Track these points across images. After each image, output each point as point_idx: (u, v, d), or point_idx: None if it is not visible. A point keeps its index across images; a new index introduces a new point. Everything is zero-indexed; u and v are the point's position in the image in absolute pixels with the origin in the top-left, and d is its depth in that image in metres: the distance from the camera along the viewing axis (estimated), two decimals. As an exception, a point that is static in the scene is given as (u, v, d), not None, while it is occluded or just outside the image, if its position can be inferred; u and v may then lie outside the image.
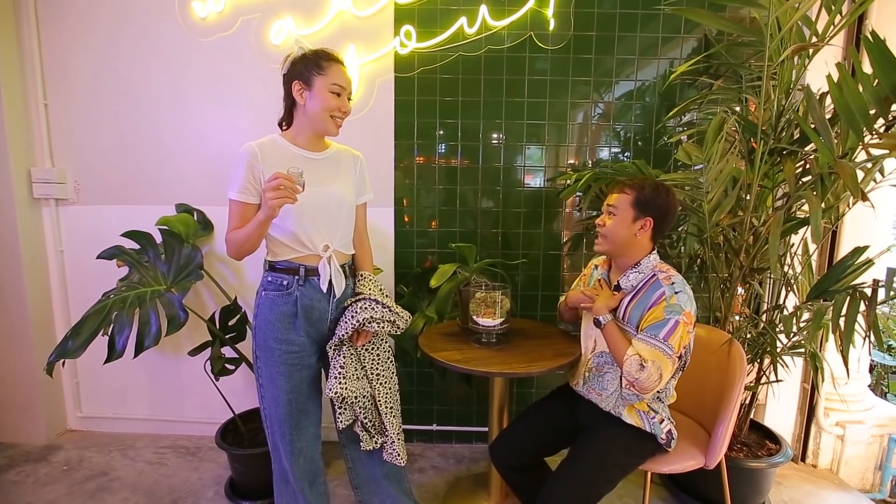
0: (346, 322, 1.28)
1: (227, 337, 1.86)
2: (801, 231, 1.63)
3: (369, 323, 1.28)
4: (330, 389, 1.28)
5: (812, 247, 1.71)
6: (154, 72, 2.02)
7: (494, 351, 1.54)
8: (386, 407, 1.38)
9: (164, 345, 1.80)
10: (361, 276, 1.38)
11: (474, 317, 1.58)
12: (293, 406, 1.30)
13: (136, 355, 1.52)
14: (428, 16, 1.95)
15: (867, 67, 1.25)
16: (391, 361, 1.42)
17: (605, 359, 1.34)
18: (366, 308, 1.28)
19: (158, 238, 1.81)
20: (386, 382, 1.39)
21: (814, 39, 1.45)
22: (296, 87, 1.24)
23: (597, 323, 1.32)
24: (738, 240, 1.64)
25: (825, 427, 2.01)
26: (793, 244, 1.71)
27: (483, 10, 1.92)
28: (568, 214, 2.10)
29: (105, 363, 1.50)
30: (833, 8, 1.37)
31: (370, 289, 1.35)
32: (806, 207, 1.52)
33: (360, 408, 1.35)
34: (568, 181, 1.97)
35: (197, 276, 1.71)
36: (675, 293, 1.23)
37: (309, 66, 1.23)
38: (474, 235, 2.09)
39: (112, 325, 1.50)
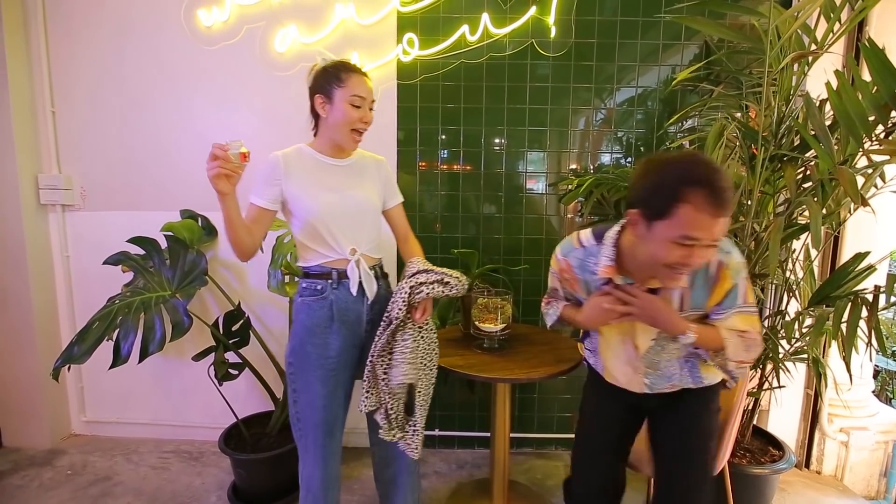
0: (394, 301, 1.25)
1: (230, 342, 1.87)
2: (803, 237, 1.64)
3: (418, 290, 1.25)
4: (404, 375, 1.25)
5: (814, 252, 1.71)
6: (160, 79, 2.05)
7: (496, 356, 1.54)
8: (422, 398, 1.33)
9: (168, 350, 1.81)
10: (410, 262, 1.36)
11: (476, 322, 1.58)
12: (328, 412, 1.29)
13: (140, 361, 1.54)
14: (430, 24, 1.97)
15: (867, 75, 1.27)
16: (436, 354, 1.37)
17: (656, 352, 1.16)
18: (412, 277, 1.27)
19: (163, 244, 1.83)
20: (429, 374, 1.35)
21: (813, 47, 1.46)
22: (318, 100, 1.26)
23: (674, 338, 1.09)
24: (739, 246, 1.64)
25: (829, 433, 2.00)
26: (794, 250, 1.71)
27: (485, 18, 1.94)
28: (570, 220, 2.11)
29: (110, 368, 1.51)
30: (832, 16, 1.38)
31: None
32: (807, 213, 1.53)
33: (390, 395, 1.30)
34: (570, 186, 1.98)
35: (201, 282, 1.73)
36: (727, 253, 1.04)
37: (329, 79, 1.24)
38: (476, 241, 2.10)
39: (117, 331, 1.51)
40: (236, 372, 1.85)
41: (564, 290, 1.26)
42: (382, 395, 1.30)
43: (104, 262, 1.76)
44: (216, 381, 1.79)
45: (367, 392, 1.31)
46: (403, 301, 1.24)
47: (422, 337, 1.30)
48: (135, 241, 1.77)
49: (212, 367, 1.79)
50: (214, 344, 1.85)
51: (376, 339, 1.27)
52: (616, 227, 1.09)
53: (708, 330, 1.08)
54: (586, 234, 1.16)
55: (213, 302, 2.16)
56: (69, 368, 1.54)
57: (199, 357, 1.83)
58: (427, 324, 1.32)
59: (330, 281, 1.27)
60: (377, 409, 1.34)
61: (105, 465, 2.06)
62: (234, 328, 1.92)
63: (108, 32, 2.03)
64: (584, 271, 1.15)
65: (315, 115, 1.30)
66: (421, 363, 1.30)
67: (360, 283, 1.28)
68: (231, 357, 1.88)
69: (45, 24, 2.04)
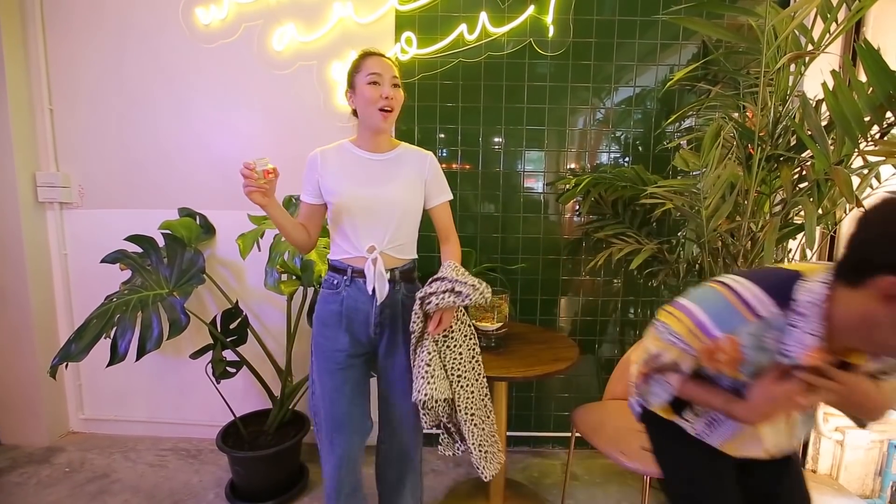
0: (413, 312, 1.23)
1: (228, 340, 1.87)
2: (799, 236, 1.64)
3: (427, 301, 1.21)
4: (418, 391, 1.21)
5: (809, 252, 1.71)
6: (158, 77, 2.05)
7: (493, 355, 1.55)
8: (466, 413, 1.26)
9: (166, 348, 1.82)
10: (444, 265, 1.29)
11: (473, 321, 1.59)
12: (336, 406, 1.28)
13: (137, 359, 1.54)
14: (428, 23, 1.97)
15: (863, 76, 1.27)
16: (477, 362, 1.30)
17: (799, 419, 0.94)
18: (428, 284, 1.22)
19: (161, 242, 1.83)
20: (467, 385, 1.27)
21: (810, 48, 1.46)
22: (347, 95, 1.29)
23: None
24: (736, 245, 1.65)
25: (825, 432, 2.01)
26: (791, 250, 1.72)
27: (483, 17, 1.94)
28: (568, 219, 2.11)
29: (108, 366, 1.51)
30: (829, 17, 1.38)
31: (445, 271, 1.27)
32: (803, 213, 1.53)
33: (441, 410, 1.27)
34: (567, 186, 1.99)
35: (199, 280, 1.73)
36: None
37: (350, 71, 1.27)
38: (474, 240, 2.10)
39: (115, 329, 1.51)
40: (234, 370, 1.85)
41: (702, 369, 0.90)
42: (437, 409, 1.27)
43: (102, 261, 1.76)
44: (214, 379, 1.79)
45: (423, 411, 1.28)
46: (416, 313, 1.22)
47: (447, 347, 1.25)
48: (132, 239, 1.77)
49: (209, 365, 1.79)
50: (212, 342, 1.85)
51: (411, 352, 1.26)
52: (817, 288, 0.76)
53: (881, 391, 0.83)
54: (759, 297, 0.79)
55: (210, 300, 2.16)
56: (67, 366, 1.55)
57: (196, 355, 1.83)
58: (451, 335, 1.26)
59: (344, 277, 1.26)
60: (438, 425, 1.32)
61: (103, 462, 2.06)
62: (231, 326, 1.92)
63: (107, 30, 2.03)
64: (762, 351, 0.80)
65: (354, 113, 1.30)
66: (451, 376, 1.25)
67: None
68: (229, 355, 1.89)
69: (42, 22, 2.04)
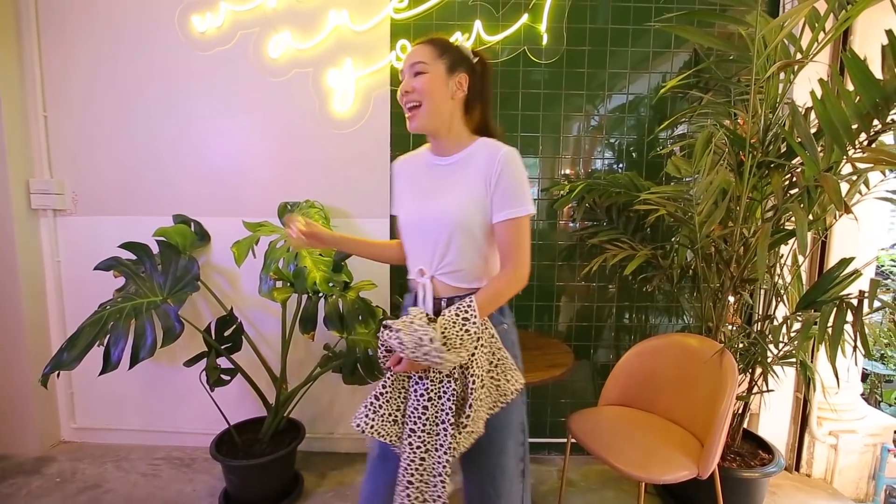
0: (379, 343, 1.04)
1: (222, 347, 1.86)
2: (791, 242, 1.66)
3: (387, 334, 0.99)
4: (355, 417, 1.04)
5: (800, 258, 1.73)
6: (153, 84, 2.05)
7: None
8: (404, 475, 0.99)
9: (159, 355, 1.80)
10: (456, 303, 1.00)
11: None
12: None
13: (131, 367, 1.53)
14: (424, 31, 1.98)
15: (849, 84, 1.29)
16: (446, 434, 0.97)
17: None
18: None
19: (155, 249, 1.82)
20: (417, 448, 0.98)
21: (798, 56, 1.49)
22: None
23: None
24: (728, 251, 1.66)
25: (818, 436, 2.02)
26: (782, 255, 1.73)
27: (478, 25, 1.96)
28: (562, 225, 2.12)
29: (100, 375, 1.50)
30: (816, 26, 1.41)
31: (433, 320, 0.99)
32: (794, 219, 1.55)
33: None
34: (562, 192, 2.00)
35: (193, 288, 1.72)
36: None
37: None
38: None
39: (108, 337, 1.50)
40: (228, 377, 1.84)
41: None
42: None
43: (95, 268, 1.75)
44: (208, 387, 1.78)
45: None
46: (380, 342, 1.02)
47: (415, 392, 1.01)
48: (126, 246, 1.76)
49: (203, 373, 1.78)
50: (206, 349, 1.84)
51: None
52: None
53: None
54: None
55: (205, 307, 2.15)
56: (58, 375, 1.53)
57: (191, 363, 1.82)
58: (422, 382, 1.00)
59: (413, 296, 1.11)
60: None
61: (95, 472, 2.04)
62: (226, 333, 1.91)
63: (102, 37, 2.03)
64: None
65: None
66: (404, 426, 1.01)
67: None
68: (223, 362, 1.87)
69: (37, 28, 2.03)
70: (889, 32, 1.19)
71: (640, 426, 1.58)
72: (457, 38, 1.12)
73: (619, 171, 2.07)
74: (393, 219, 2.07)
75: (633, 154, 2.08)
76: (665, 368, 1.68)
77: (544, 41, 1.99)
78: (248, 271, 1.93)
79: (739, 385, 1.51)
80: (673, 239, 2.04)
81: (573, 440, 1.57)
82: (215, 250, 2.11)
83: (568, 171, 2.10)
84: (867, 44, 1.81)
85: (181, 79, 2.04)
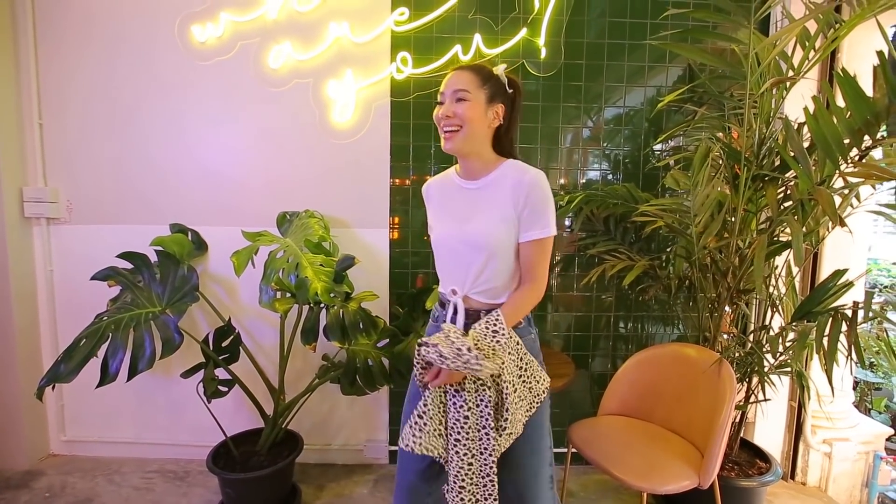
0: (414, 360, 1.09)
1: (220, 358, 1.84)
2: (785, 254, 1.70)
3: (419, 349, 1.05)
4: (402, 439, 1.10)
5: (795, 269, 1.77)
6: (150, 93, 2.04)
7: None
8: (455, 484, 1.07)
9: (154, 366, 1.78)
10: (484, 318, 1.07)
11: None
12: (405, 422, 1.18)
13: (129, 379, 1.50)
14: (424, 43, 2.01)
15: (839, 100, 1.33)
16: (486, 436, 1.06)
17: None
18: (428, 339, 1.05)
19: (152, 258, 1.80)
20: (465, 454, 1.06)
21: (790, 73, 1.53)
22: None
23: None
24: (724, 262, 1.69)
25: (813, 445, 2.05)
26: (776, 266, 1.77)
27: (477, 38, 1.99)
28: (560, 236, 2.14)
29: (98, 387, 1.48)
30: (807, 44, 1.45)
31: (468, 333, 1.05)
32: (789, 230, 1.59)
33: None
34: (560, 203, 2.02)
35: (192, 298, 1.71)
36: None
37: None
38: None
39: (106, 348, 1.48)
40: (226, 389, 1.82)
41: None
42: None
43: (92, 278, 1.72)
44: (205, 399, 1.76)
45: None
46: (416, 360, 1.08)
47: (454, 404, 1.08)
48: (125, 256, 1.75)
49: (200, 384, 1.76)
50: (204, 360, 1.82)
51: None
52: None
53: None
54: None
55: (201, 317, 2.13)
56: (53, 387, 1.50)
57: (188, 374, 1.79)
58: (461, 392, 1.07)
59: (444, 311, 1.15)
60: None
61: (85, 486, 1.99)
62: (223, 344, 1.89)
63: (100, 44, 2.02)
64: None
65: None
66: (449, 437, 1.08)
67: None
68: (220, 373, 1.85)
69: (34, 34, 2.02)
70: (880, 53, 1.23)
71: (640, 436, 1.59)
72: (495, 67, 1.15)
73: (616, 182, 2.10)
74: (391, 229, 2.10)
75: (629, 166, 2.12)
76: (664, 378, 1.69)
77: (542, 55, 2.02)
78: (246, 281, 1.91)
79: (737, 394, 1.52)
80: (668, 249, 2.08)
81: (573, 450, 1.57)
82: (213, 260, 2.10)
83: (563, 182, 2.12)
84: (854, 61, 1.87)
85: (180, 87, 2.04)
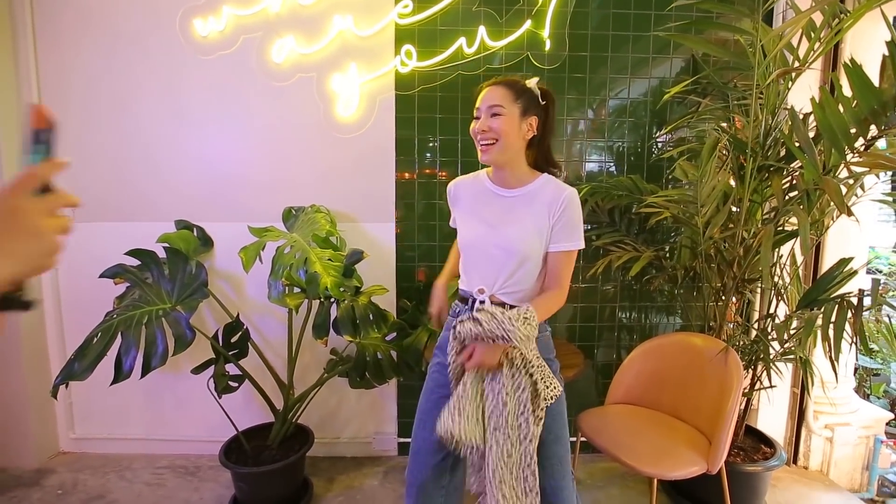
0: (449, 344, 1.16)
1: (230, 354, 1.85)
2: (790, 243, 1.72)
3: (455, 329, 1.11)
4: (439, 426, 1.10)
5: (800, 258, 1.79)
6: (153, 87, 2.02)
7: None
8: (494, 476, 1.09)
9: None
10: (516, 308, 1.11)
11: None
12: (419, 418, 1.26)
13: (143, 376, 1.51)
14: (428, 36, 2.00)
15: (845, 90, 1.34)
16: (525, 422, 1.10)
17: None
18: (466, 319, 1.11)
19: (159, 255, 1.80)
20: (503, 442, 1.09)
21: (795, 63, 1.54)
22: None
23: None
24: (730, 252, 1.71)
25: (815, 430, 2.09)
26: (781, 255, 1.79)
27: (482, 31, 1.98)
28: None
29: (112, 384, 1.48)
30: (813, 35, 1.46)
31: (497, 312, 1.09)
32: (793, 220, 1.61)
33: (470, 456, 1.17)
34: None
35: (203, 295, 1.71)
36: None
37: None
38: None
39: (119, 346, 1.48)
40: (236, 384, 1.82)
41: None
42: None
43: (101, 276, 1.72)
44: (215, 394, 1.77)
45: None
46: (450, 344, 1.15)
47: (491, 391, 1.11)
48: (133, 253, 1.74)
49: (210, 380, 1.76)
50: (214, 356, 1.82)
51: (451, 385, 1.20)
52: None
53: None
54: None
55: (208, 313, 2.13)
56: (67, 385, 1.50)
57: (198, 370, 1.80)
58: (497, 377, 1.11)
59: (465, 307, 1.20)
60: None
61: (97, 482, 2.00)
62: (233, 340, 1.90)
63: (100, 40, 2.00)
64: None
65: None
66: (487, 424, 1.10)
67: None
68: (230, 369, 1.86)
69: (33, 30, 1.99)
70: (889, 43, 1.24)
71: (648, 423, 1.61)
72: (528, 80, 1.20)
73: (620, 173, 2.11)
74: (397, 223, 2.11)
75: (633, 158, 2.13)
76: (670, 367, 1.72)
77: (547, 47, 2.02)
78: (253, 277, 1.92)
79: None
80: (671, 240, 2.09)
81: (583, 438, 1.60)
82: (219, 256, 2.10)
83: (566, 174, 2.13)
84: (858, 51, 1.88)
85: (182, 82, 2.02)
